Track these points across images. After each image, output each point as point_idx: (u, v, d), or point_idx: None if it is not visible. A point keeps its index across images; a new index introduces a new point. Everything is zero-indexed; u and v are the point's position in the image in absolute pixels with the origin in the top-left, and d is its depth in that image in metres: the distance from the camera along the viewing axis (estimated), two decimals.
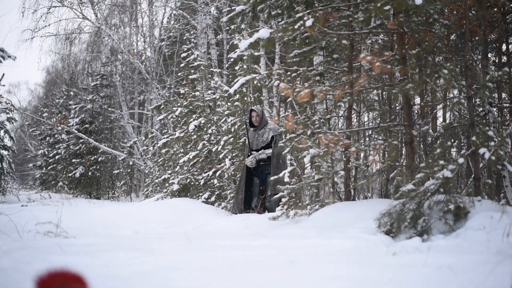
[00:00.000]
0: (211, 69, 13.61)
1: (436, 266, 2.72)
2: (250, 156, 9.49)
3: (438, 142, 6.34)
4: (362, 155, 10.42)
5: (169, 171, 13.14)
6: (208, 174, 11.69)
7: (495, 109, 8.51)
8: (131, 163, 22.06)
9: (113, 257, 3.59)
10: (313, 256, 3.40)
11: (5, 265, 3.21)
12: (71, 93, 28.12)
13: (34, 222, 6.41)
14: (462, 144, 8.54)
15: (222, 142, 11.22)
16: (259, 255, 3.43)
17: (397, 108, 7.66)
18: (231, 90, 8.71)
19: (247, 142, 9.76)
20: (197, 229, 7.72)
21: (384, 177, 7.18)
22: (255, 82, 8.68)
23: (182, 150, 12.90)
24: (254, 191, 9.70)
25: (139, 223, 8.42)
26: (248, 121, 9.66)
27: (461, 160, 5.43)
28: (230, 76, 12.73)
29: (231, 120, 11.02)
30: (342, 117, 8.43)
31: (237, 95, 10.41)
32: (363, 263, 3.01)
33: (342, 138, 6.63)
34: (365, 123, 8.44)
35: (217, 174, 11.38)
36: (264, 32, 7.00)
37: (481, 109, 8.42)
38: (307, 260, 3.14)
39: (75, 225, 6.98)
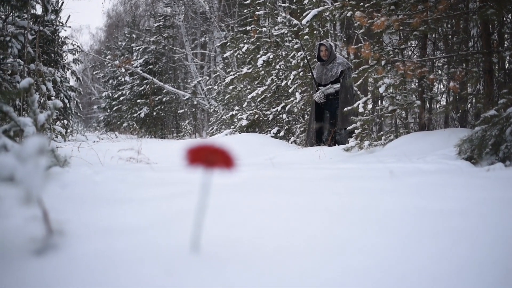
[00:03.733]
0: (279, 3, 13.51)
1: None
2: (318, 91, 9.42)
3: None
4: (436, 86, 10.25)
5: (237, 108, 13.25)
6: (277, 109, 11.74)
7: None
8: (195, 102, 22.29)
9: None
10: (405, 172, 3.40)
11: (98, 179, 3.28)
12: (134, 35, 28.37)
13: (113, 151, 6.56)
14: None
15: (291, 77, 11.20)
16: (352, 172, 3.46)
17: (474, 36, 7.48)
18: (304, 21, 8.65)
19: (313, 77, 9.68)
20: (271, 160, 7.77)
21: (462, 105, 7.07)
22: (326, 14, 8.57)
23: (249, 87, 12.96)
24: (325, 124, 9.67)
25: None
26: (316, 55, 9.57)
27: None
28: (298, 11, 12.60)
29: (300, 55, 10.96)
30: (416, 47, 8.28)
31: (307, 29, 10.33)
32: (459, 175, 3.01)
33: (418, 66, 6.54)
34: (438, 54, 8.27)
35: (286, 109, 11.41)
36: None
37: None
38: (402, 174, 3.15)
39: (152, 156, 7.11)
